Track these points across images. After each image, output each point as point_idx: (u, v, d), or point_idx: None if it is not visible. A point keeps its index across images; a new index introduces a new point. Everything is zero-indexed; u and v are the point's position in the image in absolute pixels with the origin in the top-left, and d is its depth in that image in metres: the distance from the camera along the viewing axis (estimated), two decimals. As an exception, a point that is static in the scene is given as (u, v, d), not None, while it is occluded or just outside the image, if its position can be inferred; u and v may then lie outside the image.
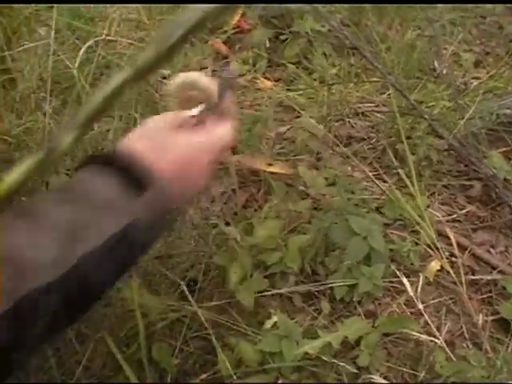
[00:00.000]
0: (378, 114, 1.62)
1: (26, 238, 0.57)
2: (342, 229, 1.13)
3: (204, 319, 1.02)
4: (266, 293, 1.11)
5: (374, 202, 1.29)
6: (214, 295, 1.12)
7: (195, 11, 0.29)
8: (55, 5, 1.58)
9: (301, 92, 1.65)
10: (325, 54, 1.76)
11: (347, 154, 1.41)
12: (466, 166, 1.41)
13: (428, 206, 1.29)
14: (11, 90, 1.46)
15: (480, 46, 1.93)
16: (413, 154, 1.36)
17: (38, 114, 1.38)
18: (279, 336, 0.99)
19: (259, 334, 1.03)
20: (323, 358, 0.99)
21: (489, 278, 1.21)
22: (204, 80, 0.78)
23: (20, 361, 0.57)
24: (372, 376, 1.01)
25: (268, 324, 1.05)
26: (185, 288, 1.06)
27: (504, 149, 1.45)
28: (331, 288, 1.12)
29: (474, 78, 1.73)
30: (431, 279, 1.17)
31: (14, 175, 0.30)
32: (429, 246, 1.16)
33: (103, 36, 1.44)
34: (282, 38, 1.83)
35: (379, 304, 1.15)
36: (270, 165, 1.32)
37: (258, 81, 1.71)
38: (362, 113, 1.62)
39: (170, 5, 1.75)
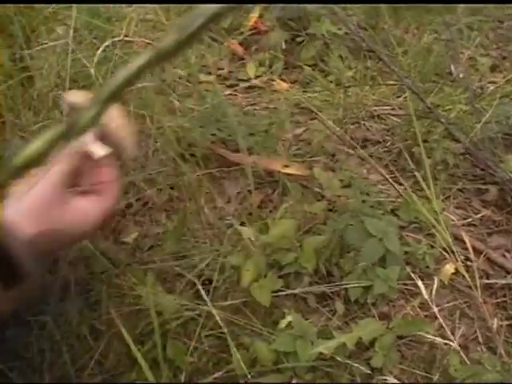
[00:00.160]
0: (394, 118, 1.62)
1: None
2: (358, 230, 1.13)
3: (219, 318, 1.03)
4: (281, 293, 1.12)
5: (389, 204, 1.30)
6: (228, 294, 1.12)
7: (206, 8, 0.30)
8: (74, 4, 1.60)
9: (317, 94, 1.66)
10: (341, 57, 1.77)
11: (363, 156, 1.41)
12: (482, 169, 1.41)
13: (443, 210, 1.29)
14: (29, 87, 1.48)
15: (497, 50, 1.93)
16: (429, 157, 1.36)
17: (56, 111, 1.39)
18: (294, 336, 1.00)
19: (273, 334, 1.03)
20: (337, 358, 0.99)
21: (504, 282, 1.20)
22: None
23: None
24: (385, 377, 1.01)
25: (282, 324, 1.05)
26: (200, 287, 1.06)
27: (520, 153, 1.44)
28: (346, 289, 1.12)
29: (490, 83, 1.73)
30: (446, 282, 1.17)
31: (34, 146, 0.31)
32: (444, 250, 1.16)
33: (121, 36, 1.46)
34: (299, 40, 1.83)
35: (393, 306, 1.15)
36: (286, 166, 1.32)
37: (274, 82, 1.72)
38: (378, 116, 1.62)
39: (187, 6, 1.76)
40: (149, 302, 1.07)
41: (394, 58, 1.69)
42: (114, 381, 1.07)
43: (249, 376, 0.98)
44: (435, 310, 1.09)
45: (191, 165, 1.27)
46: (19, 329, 1.13)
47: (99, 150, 0.76)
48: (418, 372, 1.05)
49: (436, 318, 1.10)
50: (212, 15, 0.30)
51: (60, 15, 1.68)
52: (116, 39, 1.39)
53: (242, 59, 1.79)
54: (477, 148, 1.39)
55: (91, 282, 1.18)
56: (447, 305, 1.16)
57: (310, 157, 1.44)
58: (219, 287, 1.12)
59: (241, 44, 1.81)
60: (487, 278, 1.21)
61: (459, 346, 1.05)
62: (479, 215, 1.34)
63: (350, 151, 1.45)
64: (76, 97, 0.82)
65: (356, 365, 1.00)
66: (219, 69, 1.73)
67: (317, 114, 1.50)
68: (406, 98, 1.64)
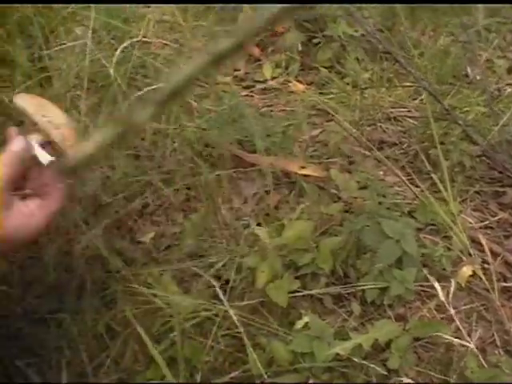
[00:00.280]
0: (410, 120, 1.62)
1: None
2: (374, 232, 1.13)
3: (235, 318, 1.03)
4: (297, 294, 1.12)
5: (406, 206, 1.29)
6: (245, 295, 1.13)
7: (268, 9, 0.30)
8: (92, 5, 1.61)
9: (333, 96, 1.66)
10: (357, 59, 1.77)
11: (380, 158, 1.41)
12: (499, 172, 1.41)
13: (460, 212, 1.28)
14: (48, 88, 1.49)
15: (514, 52, 1.92)
16: (446, 159, 1.36)
17: (74, 111, 1.40)
18: (311, 336, 1.00)
19: (290, 334, 1.04)
20: (354, 359, 0.99)
21: (521, 285, 1.20)
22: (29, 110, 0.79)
23: None
24: (402, 379, 1.01)
25: (299, 324, 1.05)
26: (217, 287, 1.07)
27: (538, 156, 1.44)
28: (362, 290, 1.12)
29: (507, 85, 1.72)
30: (463, 285, 1.17)
31: (91, 145, 0.32)
32: (461, 252, 1.16)
33: (139, 37, 1.47)
34: (315, 41, 1.83)
35: (409, 308, 1.15)
36: (303, 167, 1.32)
37: (290, 84, 1.72)
38: (394, 118, 1.62)
39: (204, 7, 1.77)
40: (165, 301, 1.08)
41: (410, 60, 1.68)
42: (130, 379, 1.07)
43: (265, 376, 0.98)
44: (452, 312, 1.08)
45: (208, 165, 1.27)
46: (36, 326, 1.14)
47: (46, 156, 0.77)
48: (434, 374, 1.05)
49: (453, 320, 1.10)
50: (268, 19, 0.30)
51: (78, 16, 1.69)
52: (134, 40, 1.39)
53: (259, 60, 1.79)
54: (494, 150, 1.38)
55: (107, 281, 1.19)
56: (464, 307, 1.16)
57: (327, 158, 1.44)
58: (236, 287, 1.12)
59: (257, 45, 1.81)
60: (505, 281, 1.21)
61: (476, 348, 1.05)
62: (496, 218, 1.34)
63: (367, 153, 1.45)
64: (24, 101, 0.81)
65: (372, 366, 0.99)
66: (236, 70, 1.73)
67: (334, 115, 1.50)
68: (422, 100, 1.64)
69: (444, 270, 1.18)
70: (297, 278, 1.13)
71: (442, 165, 1.21)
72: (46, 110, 0.81)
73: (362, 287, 1.11)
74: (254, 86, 1.70)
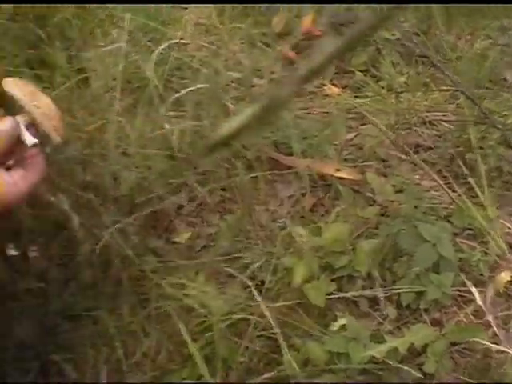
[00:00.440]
0: (446, 124, 1.60)
1: None
2: (411, 235, 1.13)
3: (271, 319, 1.03)
4: (333, 296, 1.12)
5: (442, 210, 1.28)
6: (280, 296, 1.13)
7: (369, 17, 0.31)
8: (129, 7, 1.63)
9: (368, 99, 1.65)
10: (392, 62, 1.76)
11: (416, 162, 1.40)
12: (537, 177, 1.39)
13: (498, 217, 1.27)
14: (85, 89, 1.51)
15: (554, 56, 1.89)
16: (483, 163, 1.34)
17: (110, 112, 1.41)
18: (347, 338, 1.00)
19: (326, 335, 1.04)
20: (389, 362, 0.99)
21: (560, 291, 1.18)
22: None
23: None
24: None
25: (334, 326, 1.05)
26: (252, 288, 1.07)
27: None
28: (398, 294, 1.12)
29: (547, 89, 1.70)
30: (501, 290, 1.15)
31: (235, 122, 0.33)
32: (498, 257, 1.15)
33: (177, 39, 1.48)
34: (351, 45, 1.83)
35: (445, 313, 1.14)
36: (339, 170, 1.32)
37: (325, 87, 1.72)
38: (430, 121, 1.61)
39: (240, 11, 1.78)
40: (200, 301, 1.09)
41: (446, 64, 1.67)
42: (165, 378, 1.08)
43: (300, 377, 0.98)
44: (489, 317, 1.07)
45: (244, 167, 1.28)
46: (73, 323, 1.16)
47: (31, 138, 0.86)
48: (471, 381, 1.04)
49: (490, 326, 1.09)
50: (374, 23, 0.31)
51: (115, 18, 1.71)
52: (172, 42, 1.41)
53: (294, 64, 1.79)
54: (533, 155, 1.37)
55: (142, 281, 1.20)
56: (501, 313, 1.14)
57: (362, 162, 1.43)
58: (271, 288, 1.13)
59: (293, 49, 1.81)
60: (543, 288, 1.19)
61: (514, 355, 1.04)
62: (534, 223, 1.32)
63: (402, 157, 1.44)
64: (15, 86, 0.88)
65: (408, 369, 0.99)
66: (271, 73, 1.74)
67: (370, 118, 1.50)
68: (458, 104, 1.63)
69: (481, 275, 1.17)
70: (332, 280, 1.13)
71: (480, 169, 1.20)
72: (35, 96, 0.88)
73: (398, 291, 1.11)
74: (288, 89, 1.71)
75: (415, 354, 1.04)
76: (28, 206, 1.26)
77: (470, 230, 1.25)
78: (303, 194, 1.31)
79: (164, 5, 1.78)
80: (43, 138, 0.88)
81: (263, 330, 1.08)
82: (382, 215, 1.29)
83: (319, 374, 0.99)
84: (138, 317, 1.14)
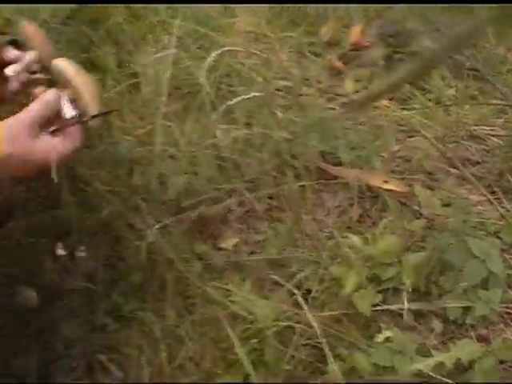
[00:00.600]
0: (495, 138, 1.59)
1: None
2: (459, 250, 1.12)
3: (317, 328, 1.04)
4: (378, 307, 1.12)
5: (491, 225, 1.27)
6: (325, 305, 1.13)
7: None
8: (179, 10, 1.65)
9: (415, 112, 1.65)
10: (441, 75, 1.75)
11: (464, 176, 1.39)
12: None
13: (548, 234, 1.26)
14: (135, 93, 1.53)
15: None
16: (533, 180, 1.33)
17: (159, 117, 1.43)
18: (393, 350, 1.00)
19: (371, 347, 1.03)
20: (435, 376, 0.98)
21: None
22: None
23: None
24: (484, 401, 1.00)
25: (379, 338, 1.05)
26: (299, 297, 1.08)
27: None
28: (444, 308, 1.11)
29: None
30: (550, 309, 1.14)
31: (390, 80, 0.34)
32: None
33: (228, 47, 1.50)
34: (398, 56, 1.82)
35: (492, 330, 1.13)
36: (386, 182, 1.32)
37: (372, 98, 1.72)
38: (478, 136, 1.60)
39: (289, 20, 1.79)
40: (245, 307, 1.10)
41: (496, 77, 1.66)
42: (209, 381, 1.09)
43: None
44: (539, 336, 1.06)
45: (291, 176, 1.29)
46: (119, 323, 1.18)
47: (70, 110, 0.96)
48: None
49: (538, 345, 1.07)
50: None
51: (166, 24, 1.74)
52: (225, 49, 1.42)
53: (341, 74, 1.79)
54: None
55: (188, 285, 1.21)
56: (551, 332, 1.13)
57: (409, 174, 1.43)
58: (317, 297, 1.13)
59: (340, 58, 1.82)
60: None
61: None
62: None
63: (450, 170, 1.44)
64: (61, 64, 1.00)
65: (454, 384, 0.98)
66: (319, 82, 1.74)
67: (419, 131, 1.49)
68: (507, 118, 1.61)
69: (530, 292, 1.16)
70: (378, 291, 1.13)
71: (531, 185, 1.19)
72: (78, 73, 1.00)
73: (445, 305, 1.10)
74: (335, 99, 1.71)
75: (462, 369, 1.04)
76: (77, 206, 1.29)
77: (519, 246, 1.24)
78: (350, 205, 1.31)
79: (214, 9, 1.80)
80: (82, 112, 0.98)
81: (308, 338, 1.08)
82: (429, 228, 1.28)
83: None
84: (183, 321, 1.15)
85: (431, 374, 0.98)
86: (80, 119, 0.97)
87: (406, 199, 1.34)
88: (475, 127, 1.62)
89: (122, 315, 1.18)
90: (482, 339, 1.11)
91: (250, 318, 1.09)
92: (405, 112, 1.63)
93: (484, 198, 1.33)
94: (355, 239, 1.16)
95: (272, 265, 1.20)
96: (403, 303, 1.13)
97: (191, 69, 1.48)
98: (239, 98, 1.30)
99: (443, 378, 0.99)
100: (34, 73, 1.04)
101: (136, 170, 1.34)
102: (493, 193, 1.36)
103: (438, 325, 1.11)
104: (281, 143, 1.32)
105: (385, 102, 1.68)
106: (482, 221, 1.27)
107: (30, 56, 1.02)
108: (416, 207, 1.34)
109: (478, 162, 1.51)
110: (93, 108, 0.99)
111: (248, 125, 1.37)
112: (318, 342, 1.05)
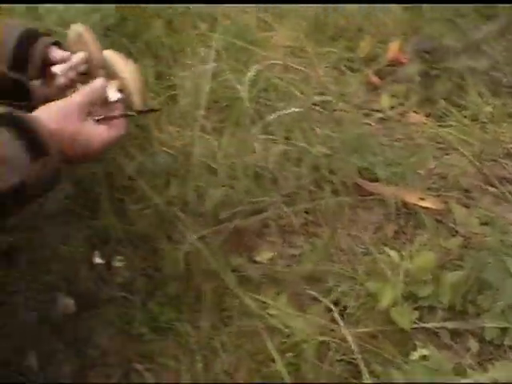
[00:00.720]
0: (532, 157, 1.58)
1: None
2: (498, 269, 1.12)
3: (352, 344, 1.04)
4: (414, 325, 1.11)
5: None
6: (360, 321, 1.13)
7: None
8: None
9: (451, 129, 1.64)
10: (478, 92, 1.74)
11: (500, 195, 1.39)
12: None
13: None
14: (173, 105, 1.55)
15: None
16: None
17: (197, 129, 1.45)
18: (429, 369, 0.99)
19: (406, 364, 1.03)
20: (473, 397, 0.98)
21: None
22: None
23: None
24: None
25: (414, 356, 1.05)
26: (335, 313, 1.08)
27: None
28: (481, 328, 1.11)
29: None
30: None
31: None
32: None
33: (266, 61, 1.51)
34: (434, 73, 1.82)
35: (530, 352, 1.12)
36: (423, 199, 1.32)
37: (407, 114, 1.72)
38: (515, 154, 1.59)
39: (328, 37, 1.80)
40: (281, 321, 1.11)
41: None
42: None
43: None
44: None
45: (329, 191, 1.29)
46: (156, 333, 1.19)
47: (115, 95, 1.01)
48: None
49: None
50: None
51: (204, 37, 1.76)
52: (266, 63, 1.44)
53: (377, 89, 1.80)
54: None
55: (224, 297, 1.22)
56: None
57: (445, 191, 1.43)
58: (353, 313, 1.13)
59: (377, 74, 1.82)
60: None
61: None
62: None
63: (487, 188, 1.43)
64: (110, 55, 1.06)
65: (491, 406, 0.98)
66: (355, 97, 1.75)
67: (456, 148, 1.49)
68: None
69: None
70: (414, 309, 1.13)
71: None
72: (127, 64, 1.05)
73: (482, 325, 1.10)
74: (371, 115, 1.71)
75: (499, 391, 1.03)
76: (115, 215, 1.31)
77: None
78: (385, 221, 1.31)
79: (252, 22, 1.82)
80: (127, 102, 1.03)
81: (344, 354, 1.08)
82: (465, 247, 1.28)
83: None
84: (219, 332, 1.16)
85: (468, 393, 0.98)
86: (126, 112, 1.03)
87: (442, 216, 1.34)
88: (512, 145, 1.61)
89: (159, 325, 1.19)
90: (520, 361, 1.10)
91: (287, 332, 1.10)
92: (441, 129, 1.63)
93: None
94: (393, 254, 1.16)
95: (308, 279, 1.20)
96: (439, 321, 1.13)
97: (230, 82, 1.50)
98: (279, 113, 1.31)
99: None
100: (83, 74, 1.09)
101: (173, 181, 1.36)
102: (531, 212, 1.35)
103: (474, 344, 1.10)
104: (319, 158, 1.33)
105: (420, 119, 1.68)
106: (519, 240, 1.26)
107: (77, 57, 1.07)
108: (452, 225, 1.33)
109: (516, 181, 1.50)
110: (138, 99, 1.04)
111: (286, 139, 1.39)
112: (353, 358, 1.05)
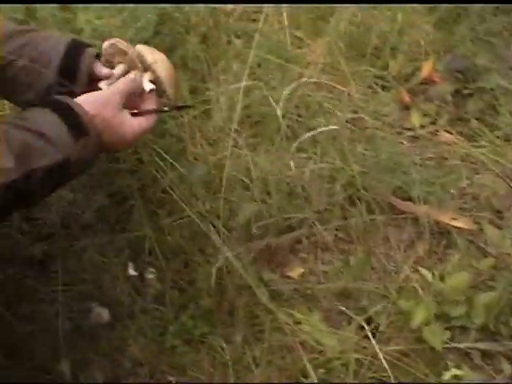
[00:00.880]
0: None
1: None
2: (531, 291, 1.12)
3: (384, 362, 1.05)
4: (446, 345, 1.12)
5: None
6: (391, 339, 1.14)
7: None
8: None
9: (483, 149, 1.64)
10: (510, 112, 1.74)
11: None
12: None
13: None
14: (207, 119, 1.57)
15: None
16: None
17: (230, 144, 1.46)
18: (463, 389, 1.00)
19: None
20: (505, 419, 0.98)
21: None
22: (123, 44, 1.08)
23: None
24: None
25: (446, 375, 1.06)
26: (368, 331, 1.09)
27: None
28: (514, 350, 1.11)
29: None
30: None
31: None
32: None
33: (302, 78, 1.53)
34: (466, 92, 1.83)
35: None
36: (455, 219, 1.33)
37: (438, 133, 1.72)
38: (546, 175, 1.59)
39: (361, 55, 1.81)
40: (313, 337, 1.12)
41: None
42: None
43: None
44: None
45: (362, 208, 1.31)
46: (189, 346, 1.20)
47: (149, 85, 1.07)
48: None
49: None
50: None
51: (239, 53, 1.78)
52: (303, 80, 1.46)
53: (408, 108, 1.80)
54: None
55: (256, 312, 1.23)
56: None
57: (477, 211, 1.43)
58: (384, 331, 1.14)
59: (408, 92, 1.83)
60: None
61: None
62: None
63: (520, 210, 1.43)
64: (144, 50, 1.09)
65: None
66: (386, 115, 1.76)
67: (488, 168, 1.50)
68: None
69: None
70: (446, 328, 1.13)
71: None
72: (159, 58, 1.09)
73: (515, 346, 1.10)
74: (403, 133, 1.72)
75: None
76: (149, 228, 1.33)
77: None
78: (417, 240, 1.32)
79: (286, 39, 1.83)
80: (160, 92, 1.09)
81: (375, 372, 1.09)
82: (497, 267, 1.28)
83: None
84: (251, 347, 1.17)
85: (500, 416, 0.98)
86: (161, 108, 1.10)
87: (474, 237, 1.35)
88: (544, 166, 1.61)
89: (192, 338, 1.20)
90: (552, 384, 1.10)
91: (319, 348, 1.11)
92: (473, 149, 1.63)
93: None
94: (425, 273, 1.17)
95: (339, 296, 1.22)
96: (471, 342, 1.13)
97: (264, 98, 1.52)
98: (316, 132, 1.33)
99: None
100: None
101: (207, 195, 1.38)
102: None
103: (506, 366, 1.11)
104: (352, 176, 1.34)
105: (451, 138, 1.69)
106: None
107: (119, 69, 1.10)
108: (483, 245, 1.34)
109: (547, 202, 1.50)
110: (170, 92, 1.10)
111: (320, 156, 1.40)
112: (384, 376, 1.06)
